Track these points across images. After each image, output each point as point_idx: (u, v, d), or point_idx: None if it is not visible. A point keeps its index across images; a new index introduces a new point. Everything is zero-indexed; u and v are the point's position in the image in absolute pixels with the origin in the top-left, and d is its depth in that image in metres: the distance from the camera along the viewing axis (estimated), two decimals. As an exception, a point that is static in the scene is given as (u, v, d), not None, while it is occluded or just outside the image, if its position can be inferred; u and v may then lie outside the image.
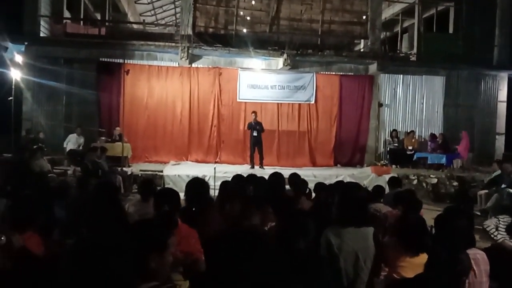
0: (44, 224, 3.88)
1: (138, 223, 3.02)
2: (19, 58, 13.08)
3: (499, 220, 5.15)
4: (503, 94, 15.86)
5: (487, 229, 5.05)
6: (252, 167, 13.20)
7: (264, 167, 13.15)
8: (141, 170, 12.39)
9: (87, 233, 3.61)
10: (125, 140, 12.79)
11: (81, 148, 12.82)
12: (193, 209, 4.15)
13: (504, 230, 5.06)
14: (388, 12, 19.67)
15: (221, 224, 4.18)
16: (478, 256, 3.34)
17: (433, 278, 2.47)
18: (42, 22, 14.73)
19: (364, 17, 15.03)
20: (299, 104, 14.84)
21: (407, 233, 3.38)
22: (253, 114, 13.37)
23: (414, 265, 3.27)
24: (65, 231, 4.13)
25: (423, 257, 3.31)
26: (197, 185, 4.58)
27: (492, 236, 4.88)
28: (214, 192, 9.93)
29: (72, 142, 12.85)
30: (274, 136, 14.58)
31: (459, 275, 2.53)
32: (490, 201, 9.52)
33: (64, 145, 12.87)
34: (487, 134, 15.78)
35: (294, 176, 6.32)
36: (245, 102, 14.60)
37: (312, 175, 12.31)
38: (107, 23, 17.13)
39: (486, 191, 10.20)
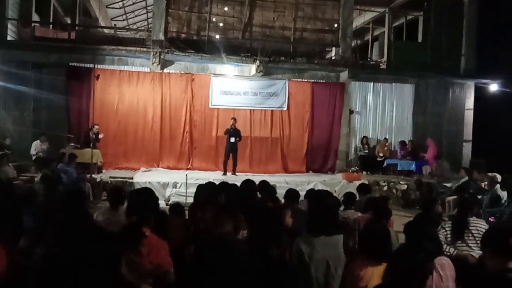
0: (10, 233, 3.76)
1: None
2: (-15, 62, 12.77)
3: (446, 230, 5.11)
4: (470, 102, 16.23)
5: None
6: (225, 173, 13.15)
7: (237, 173, 13.13)
8: (110, 177, 12.20)
9: (55, 243, 3.52)
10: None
11: (42, 154, 12.46)
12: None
13: (450, 238, 5.07)
14: (359, 21, 19.94)
15: (183, 233, 4.14)
16: (444, 262, 3.39)
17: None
18: (9, 26, 14.41)
19: (335, 25, 15.23)
20: (272, 110, 14.90)
21: (371, 241, 3.39)
22: (232, 120, 13.33)
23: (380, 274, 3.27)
24: (32, 240, 4.02)
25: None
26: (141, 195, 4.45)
27: (445, 253, 4.85)
28: (185, 199, 9.96)
29: (36, 149, 12.53)
30: (247, 142, 14.56)
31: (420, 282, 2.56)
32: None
33: (32, 152, 12.56)
34: (454, 141, 16.11)
35: (263, 183, 6.31)
36: (218, 108, 14.57)
37: (284, 181, 12.38)
38: (77, 27, 16.85)
39: (454, 197, 10.40)
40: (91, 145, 12.34)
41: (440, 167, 12.86)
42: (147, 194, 4.41)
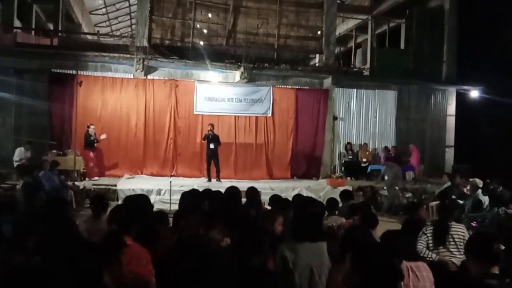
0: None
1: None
2: (-35, 68, 12.59)
3: (427, 236, 5.11)
4: (451, 108, 16.46)
5: (421, 254, 4.92)
6: (209, 180, 13.10)
7: (221, 180, 13.09)
8: (94, 184, 12.08)
9: (36, 251, 3.47)
10: (77, 153, 12.46)
11: (25, 161, 12.29)
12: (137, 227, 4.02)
13: (432, 244, 5.09)
14: (342, 28, 20.16)
15: (171, 241, 4.10)
16: (419, 264, 3.44)
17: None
18: (-10, 31, 14.23)
19: (319, 32, 15.32)
20: (256, 117, 14.89)
21: (352, 247, 3.38)
22: (209, 126, 13.27)
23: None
24: (11, 249, 3.95)
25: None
26: (135, 202, 4.42)
27: (427, 258, 4.85)
28: (170, 206, 9.89)
29: (19, 156, 12.36)
30: (231, 148, 14.55)
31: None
32: (440, 212, 9.78)
33: (15, 159, 12.38)
34: (437, 147, 16.31)
35: (250, 190, 6.29)
36: (202, 115, 14.51)
37: (269, 187, 12.37)
38: (60, 33, 16.71)
39: (437, 202, 10.49)
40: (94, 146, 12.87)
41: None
42: (138, 201, 4.37)
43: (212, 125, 13.31)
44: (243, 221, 3.93)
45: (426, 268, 3.44)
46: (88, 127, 12.97)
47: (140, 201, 4.44)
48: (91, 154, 12.94)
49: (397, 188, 12.43)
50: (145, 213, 4.33)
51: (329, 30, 15.31)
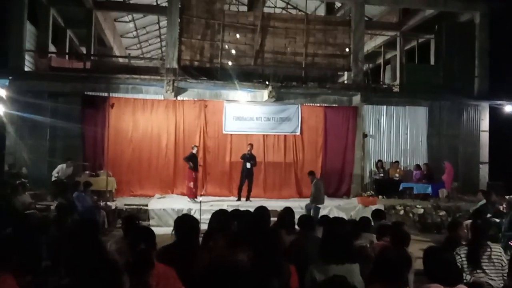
0: (24, 264, 3.75)
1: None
2: (2, 93, 13.05)
3: (461, 257, 4.90)
4: (485, 124, 16.06)
5: None
6: (239, 199, 13.11)
7: (251, 199, 13.07)
8: (125, 205, 12.24)
9: (66, 274, 3.51)
10: (109, 174, 12.67)
11: (60, 177, 12.51)
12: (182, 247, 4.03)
13: (466, 265, 4.90)
14: (370, 45, 20.09)
15: (206, 261, 4.09)
16: None
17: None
18: (26, 56, 14.74)
19: (347, 49, 15.26)
20: (285, 135, 14.90)
21: (387, 268, 3.29)
22: (249, 146, 13.43)
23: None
24: (46, 270, 4.01)
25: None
26: (188, 223, 4.45)
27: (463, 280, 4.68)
28: (200, 226, 9.89)
29: (60, 172, 12.59)
30: (260, 167, 14.52)
31: None
32: (476, 231, 9.49)
33: (54, 174, 12.60)
34: (471, 164, 15.89)
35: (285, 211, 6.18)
36: (231, 134, 14.62)
37: (299, 206, 12.24)
38: (92, 57, 17.17)
39: (471, 220, 10.19)
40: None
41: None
42: (190, 223, 4.40)
43: (251, 145, 13.41)
44: (269, 243, 3.88)
45: None
46: (192, 148, 13.20)
47: (191, 222, 4.46)
48: (194, 174, 12.93)
49: (319, 206, 11.44)
50: (195, 235, 4.35)
51: (357, 47, 15.24)
